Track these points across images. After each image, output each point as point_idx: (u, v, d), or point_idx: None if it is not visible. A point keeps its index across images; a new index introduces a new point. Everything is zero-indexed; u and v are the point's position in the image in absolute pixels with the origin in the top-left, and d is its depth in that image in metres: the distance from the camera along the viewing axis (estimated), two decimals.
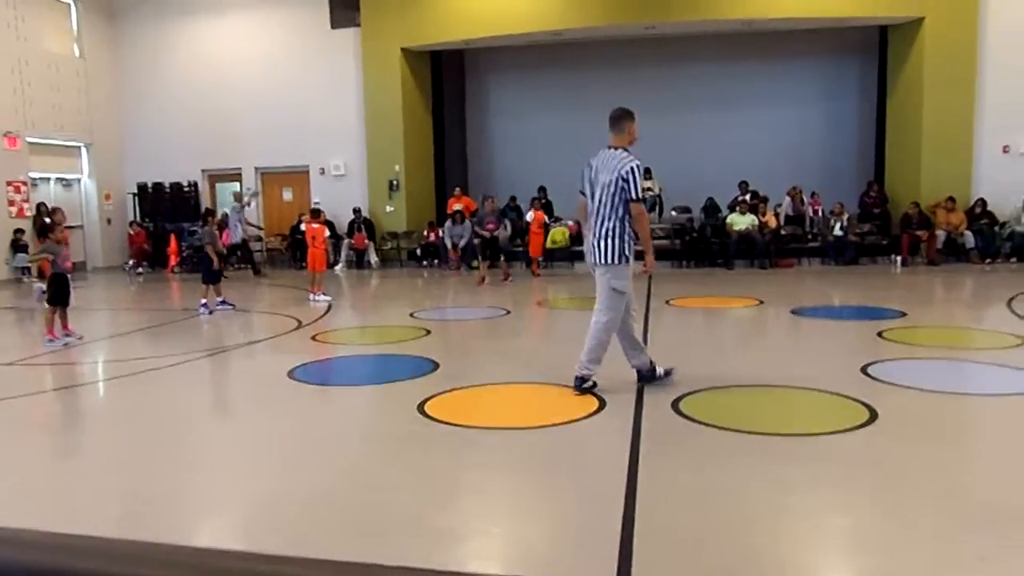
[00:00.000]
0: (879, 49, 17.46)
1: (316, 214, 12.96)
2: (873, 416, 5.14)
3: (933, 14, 15.46)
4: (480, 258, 14.84)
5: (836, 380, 6.10)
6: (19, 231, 16.68)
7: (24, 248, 16.52)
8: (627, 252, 5.75)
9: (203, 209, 16.57)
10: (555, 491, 4.15)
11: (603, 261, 5.75)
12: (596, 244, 5.80)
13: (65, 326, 9.12)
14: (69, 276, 9.13)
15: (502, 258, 14.69)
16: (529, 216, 15.56)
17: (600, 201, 5.79)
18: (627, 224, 5.75)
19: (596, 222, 5.82)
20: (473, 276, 14.67)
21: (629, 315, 5.97)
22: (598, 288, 5.93)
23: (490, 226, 14.71)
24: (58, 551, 0.80)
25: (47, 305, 9.13)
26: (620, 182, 5.67)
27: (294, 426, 5.62)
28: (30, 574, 0.77)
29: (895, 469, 4.29)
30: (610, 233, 5.73)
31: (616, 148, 5.84)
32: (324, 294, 12.23)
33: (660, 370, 6.08)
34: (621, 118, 5.92)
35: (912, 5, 15.57)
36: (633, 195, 5.67)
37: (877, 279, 13.57)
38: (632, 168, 5.67)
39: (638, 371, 6.07)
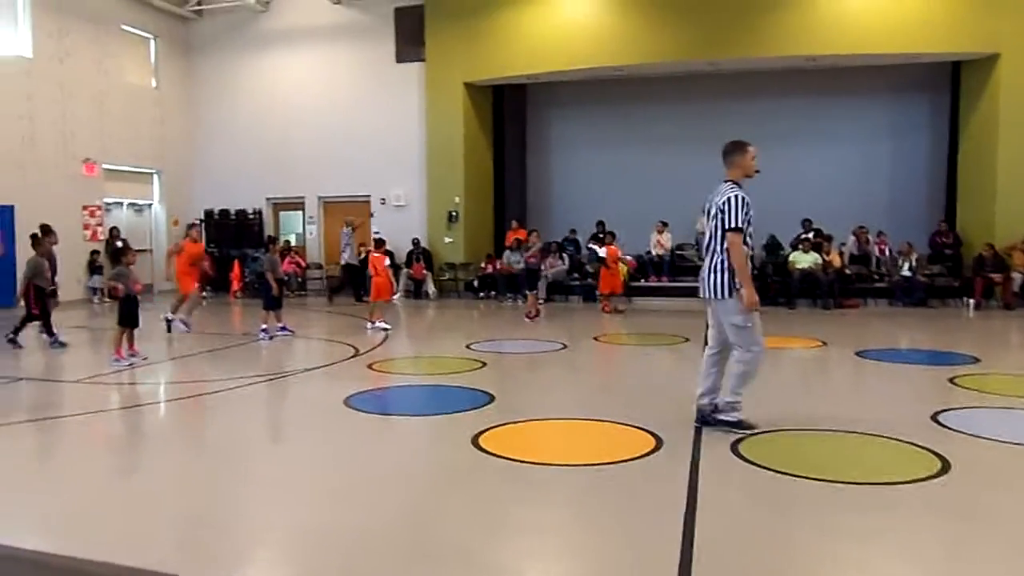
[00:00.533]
0: (951, 85, 17.04)
1: (379, 244, 13.11)
2: (945, 467, 4.92)
3: (1009, 50, 15.05)
4: (527, 291, 14.58)
5: (904, 427, 5.87)
6: (95, 253, 17.25)
7: (100, 270, 17.07)
8: (736, 284, 5.63)
9: (266, 236, 16.96)
10: (610, 531, 4.05)
11: (712, 295, 5.72)
12: (706, 277, 5.78)
13: (132, 346, 9.44)
14: (138, 298, 9.52)
15: (535, 292, 14.28)
16: (602, 252, 15.01)
17: (709, 234, 5.80)
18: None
19: (707, 255, 5.84)
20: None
21: (733, 351, 5.80)
22: (711, 320, 5.90)
23: (531, 259, 14.28)
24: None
25: (118, 325, 9.44)
26: (720, 214, 5.64)
27: (348, 455, 5.62)
28: None
29: (967, 522, 4.08)
30: (718, 267, 5.70)
31: (727, 181, 5.82)
32: (384, 322, 12.29)
33: (729, 417, 5.82)
34: (730, 152, 5.90)
35: (987, 41, 15.18)
36: (729, 224, 5.59)
37: (948, 322, 13.13)
38: (729, 198, 5.62)
39: (700, 410, 5.90)
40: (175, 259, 12.46)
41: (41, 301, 10.69)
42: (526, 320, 13.34)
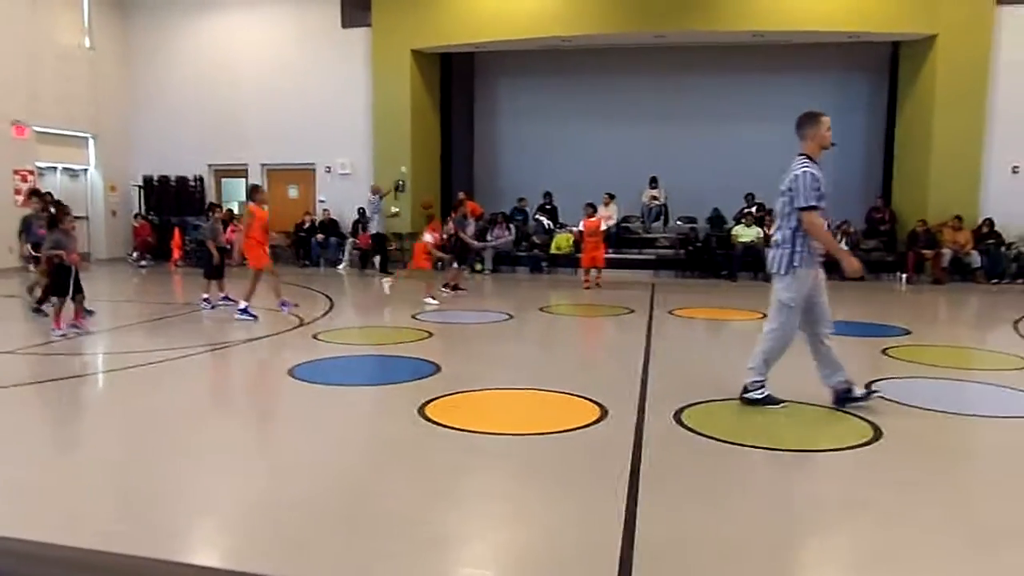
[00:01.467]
0: (890, 66, 17.42)
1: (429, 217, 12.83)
2: (877, 434, 5.09)
3: (946, 32, 15.43)
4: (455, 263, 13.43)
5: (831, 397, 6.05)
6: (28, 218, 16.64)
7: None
8: (795, 263, 5.49)
9: (207, 203, 16.52)
10: (555, 499, 4.11)
11: (771, 269, 5.64)
12: (772, 252, 5.68)
13: (77, 316, 9.08)
14: (73, 268, 8.98)
15: (455, 264, 13.30)
16: (580, 225, 14.50)
17: (776, 209, 5.70)
18: (798, 234, 5.48)
19: (774, 229, 5.73)
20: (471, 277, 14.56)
21: (822, 331, 5.70)
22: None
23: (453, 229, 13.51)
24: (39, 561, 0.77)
25: (52, 295, 9.09)
26: (788, 191, 5.50)
27: (293, 426, 5.59)
28: None
29: (898, 489, 4.25)
30: (780, 242, 5.58)
31: (800, 155, 5.63)
32: (431, 297, 11.80)
33: (857, 390, 5.71)
34: (801, 124, 5.70)
35: (925, 22, 15.53)
36: (799, 202, 5.42)
37: (882, 296, 13.52)
38: (797, 175, 5.45)
39: (834, 391, 5.75)
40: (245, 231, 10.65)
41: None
42: (443, 291, 12.56)
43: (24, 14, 16.93)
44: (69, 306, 9.01)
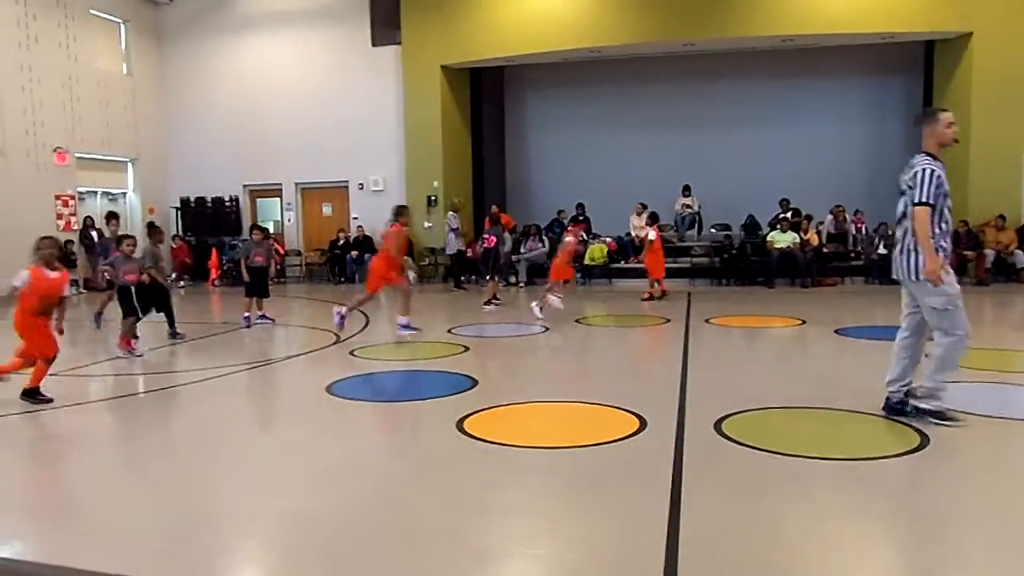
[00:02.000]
0: (925, 65, 17.17)
1: (576, 221, 12.79)
2: (924, 441, 4.98)
3: (981, 29, 15.18)
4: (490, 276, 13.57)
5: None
6: (68, 243, 16.99)
7: (74, 261, 16.84)
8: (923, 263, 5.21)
9: (251, 225, 16.25)
10: (596, 513, 4.07)
11: (909, 277, 5.34)
12: (897, 257, 5.42)
13: (128, 341, 9.21)
14: (133, 288, 9.15)
15: (496, 277, 13.55)
16: (652, 235, 13.81)
17: (901, 211, 5.44)
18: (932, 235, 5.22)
19: (900, 233, 5.45)
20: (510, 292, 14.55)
21: (925, 334, 5.47)
22: (905, 300, 5.57)
23: (490, 244, 13.51)
24: None
25: (123, 317, 9.18)
26: (909, 189, 5.30)
27: (331, 442, 5.61)
28: None
29: (947, 496, 4.15)
30: (911, 247, 5.32)
31: (921, 153, 5.44)
32: (547, 304, 11.44)
33: (929, 405, 5.39)
34: (922, 121, 5.54)
35: (960, 20, 15.30)
36: (917, 197, 5.20)
37: None
38: (917, 172, 5.25)
39: (887, 398, 5.60)
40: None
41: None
42: (484, 308, 12.64)
43: (64, 42, 17.35)
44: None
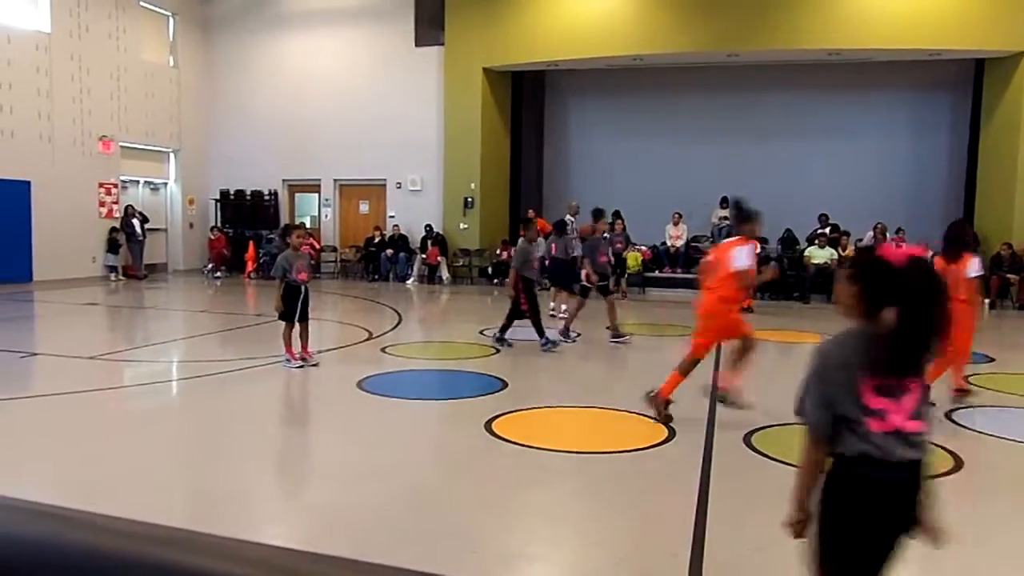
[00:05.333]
0: (974, 84, 16.86)
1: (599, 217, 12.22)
2: (958, 464, 4.88)
3: None
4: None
5: None
6: (114, 230, 17.31)
7: (118, 248, 17.16)
8: None
9: (282, 225, 15.34)
10: (621, 519, 4.04)
11: None
12: None
13: (305, 347, 7.90)
14: (303, 288, 7.79)
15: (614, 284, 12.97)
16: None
17: None
18: None
19: None
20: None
21: None
22: None
23: (619, 245, 13.71)
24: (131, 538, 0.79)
25: (281, 321, 7.84)
26: None
27: (360, 437, 5.63)
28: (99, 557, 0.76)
29: (979, 520, 4.05)
30: None
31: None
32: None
33: None
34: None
35: (1012, 38, 15.00)
36: None
37: None
38: None
39: None
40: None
41: (530, 296, 9.16)
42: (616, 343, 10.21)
43: (114, 33, 17.68)
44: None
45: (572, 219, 15.52)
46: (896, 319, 2.18)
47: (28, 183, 15.56)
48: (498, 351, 9.04)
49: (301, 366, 7.76)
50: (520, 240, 9.70)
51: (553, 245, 12.24)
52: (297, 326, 7.83)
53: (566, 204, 15.94)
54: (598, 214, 10.79)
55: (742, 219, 6.53)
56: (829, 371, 2.32)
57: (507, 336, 9.27)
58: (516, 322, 9.23)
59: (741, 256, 5.66)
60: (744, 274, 5.68)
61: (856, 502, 2.22)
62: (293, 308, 7.71)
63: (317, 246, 19.10)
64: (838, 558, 2.28)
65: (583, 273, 10.41)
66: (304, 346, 7.91)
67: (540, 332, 9.11)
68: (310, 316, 8.04)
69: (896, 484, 2.23)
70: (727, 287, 5.74)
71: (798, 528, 2.40)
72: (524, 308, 9.08)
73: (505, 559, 3.53)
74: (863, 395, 2.22)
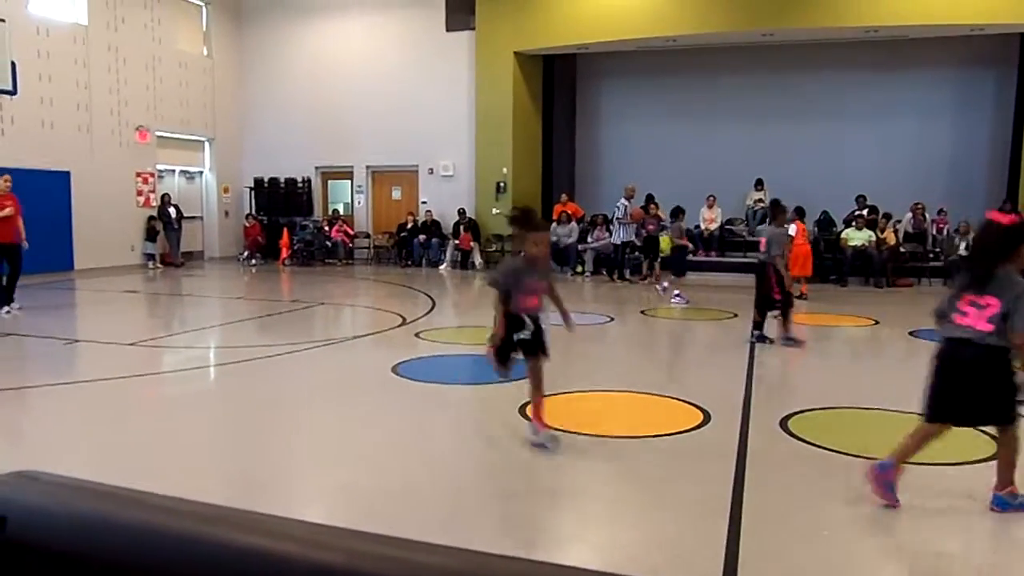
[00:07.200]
0: (1019, 59, 16.44)
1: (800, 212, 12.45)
2: None
3: None
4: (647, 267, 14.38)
5: None
6: (152, 219, 17.58)
7: (156, 236, 17.44)
8: None
9: (331, 212, 15.07)
10: (655, 503, 4.03)
11: None
12: None
13: (539, 417, 4.91)
14: (527, 319, 5.06)
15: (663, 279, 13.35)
16: (792, 229, 12.20)
17: None
18: None
19: None
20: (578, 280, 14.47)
21: None
22: None
23: (651, 227, 14.21)
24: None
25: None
26: None
27: (395, 421, 5.68)
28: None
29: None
30: None
31: None
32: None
33: None
34: None
35: None
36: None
37: None
38: None
39: None
40: None
41: (782, 288, 8.47)
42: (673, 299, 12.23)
43: (149, 24, 17.88)
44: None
45: (626, 203, 15.48)
46: None
47: (68, 173, 15.83)
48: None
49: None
50: (767, 226, 9.16)
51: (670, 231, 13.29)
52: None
53: (623, 188, 15.90)
54: (675, 213, 12.42)
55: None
56: None
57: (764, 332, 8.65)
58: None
59: None
60: None
61: None
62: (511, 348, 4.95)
63: (351, 232, 19.24)
64: None
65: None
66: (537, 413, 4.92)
67: (770, 325, 8.58)
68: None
69: None
70: None
71: None
72: (777, 298, 8.49)
73: (541, 541, 3.54)
74: None
